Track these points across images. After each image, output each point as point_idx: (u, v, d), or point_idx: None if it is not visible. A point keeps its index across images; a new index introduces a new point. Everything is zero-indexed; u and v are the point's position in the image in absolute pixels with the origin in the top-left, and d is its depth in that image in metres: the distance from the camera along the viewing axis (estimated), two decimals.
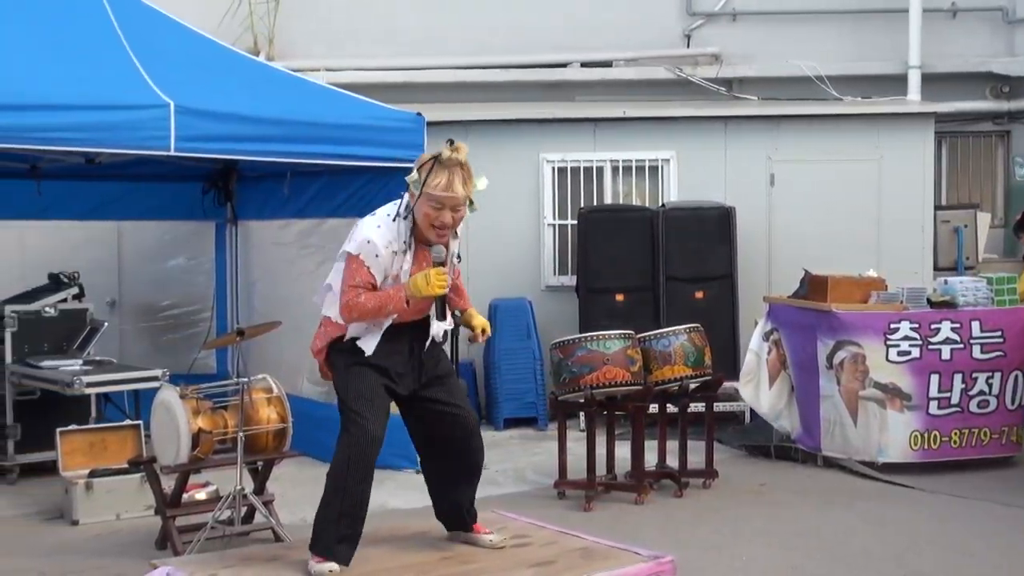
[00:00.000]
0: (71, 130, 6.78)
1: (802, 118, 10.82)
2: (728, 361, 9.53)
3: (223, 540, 5.99)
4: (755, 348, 8.62)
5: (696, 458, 7.89)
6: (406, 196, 4.68)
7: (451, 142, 4.58)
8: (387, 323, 4.66)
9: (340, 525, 4.59)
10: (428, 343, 4.81)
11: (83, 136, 6.88)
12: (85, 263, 9.32)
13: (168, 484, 6.34)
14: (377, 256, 4.57)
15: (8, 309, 8.16)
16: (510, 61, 11.56)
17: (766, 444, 8.66)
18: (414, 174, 4.57)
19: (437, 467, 5.00)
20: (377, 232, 4.59)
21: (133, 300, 10.28)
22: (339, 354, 4.76)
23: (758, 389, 8.55)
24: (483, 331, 4.92)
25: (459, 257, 4.86)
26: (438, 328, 4.79)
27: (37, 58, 7.09)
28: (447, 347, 5.12)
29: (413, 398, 4.84)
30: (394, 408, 4.83)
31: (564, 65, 11.60)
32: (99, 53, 7.31)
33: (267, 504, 6.28)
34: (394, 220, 4.63)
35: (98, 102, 6.85)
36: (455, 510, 5.01)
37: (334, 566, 4.54)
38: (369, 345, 4.67)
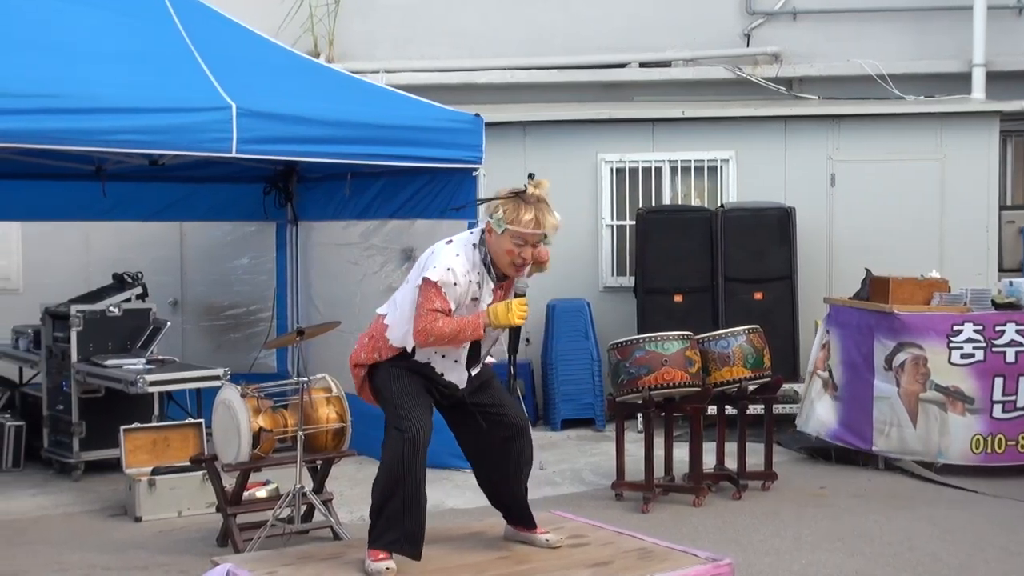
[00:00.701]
0: (135, 132, 6.89)
1: (863, 117, 10.72)
2: (787, 363, 9.47)
3: (283, 538, 6.05)
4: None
5: (755, 460, 7.84)
6: (479, 230, 4.71)
7: (532, 177, 4.58)
8: (459, 354, 4.73)
9: (398, 525, 4.60)
10: (479, 368, 4.84)
11: (147, 138, 6.99)
12: (149, 263, 9.46)
13: (229, 482, 6.41)
14: (456, 284, 4.59)
15: (74, 309, 8.28)
16: (568, 62, 11.55)
17: (826, 447, 8.57)
18: (498, 212, 4.53)
19: (488, 473, 4.99)
20: (457, 261, 4.61)
21: (195, 300, 10.41)
22: (383, 366, 4.80)
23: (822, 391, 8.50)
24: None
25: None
26: (485, 352, 4.82)
27: (104, 62, 7.21)
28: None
29: (457, 407, 4.86)
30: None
31: (623, 65, 11.56)
32: (167, 56, 7.41)
33: (326, 502, 6.33)
34: (474, 249, 4.65)
35: (162, 105, 6.95)
36: (511, 510, 5.01)
37: (391, 564, 4.56)
38: (453, 376, 4.76)
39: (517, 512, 5.02)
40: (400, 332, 4.73)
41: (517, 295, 4.63)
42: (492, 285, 4.68)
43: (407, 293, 4.76)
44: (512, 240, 4.54)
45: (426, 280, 4.59)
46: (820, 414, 8.50)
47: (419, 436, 4.61)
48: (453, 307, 4.61)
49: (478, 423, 4.85)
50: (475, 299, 4.66)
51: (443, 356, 4.74)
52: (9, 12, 7.22)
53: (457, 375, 4.78)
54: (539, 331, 10.54)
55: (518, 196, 4.54)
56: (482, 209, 4.72)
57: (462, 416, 4.89)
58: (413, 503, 4.63)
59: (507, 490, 4.98)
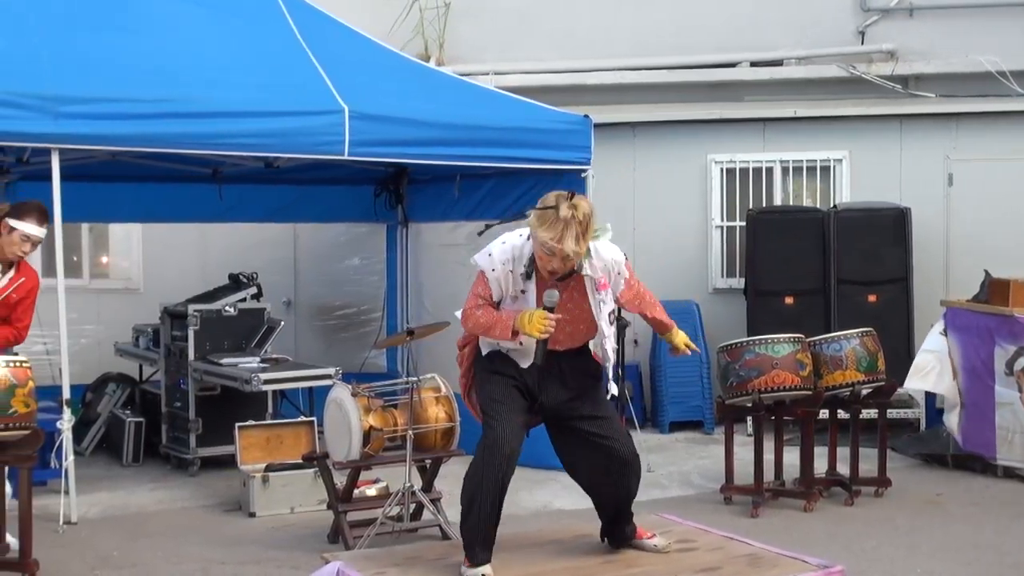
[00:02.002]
0: (251, 136, 7.07)
1: (983, 115, 10.43)
2: (902, 367, 9.23)
3: (392, 536, 6.11)
4: (933, 348, 8.33)
5: (868, 466, 7.69)
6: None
7: (571, 196, 4.45)
8: (512, 348, 4.68)
9: (475, 528, 4.58)
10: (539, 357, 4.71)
11: (263, 142, 7.16)
12: (263, 264, 9.63)
13: (340, 479, 6.50)
14: (493, 270, 4.57)
15: (191, 308, 8.46)
16: (677, 62, 11.45)
17: (942, 452, 8.37)
18: (532, 217, 4.48)
19: (592, 493, 4.92)
20: (500, 248, 4.59)
21: (308, 300, 10.59)
22: (479, 358, 4.80)
23: (940, 377, 8.23)
24: (686, 346, 4.99)
25: (538, 364, 4.63)
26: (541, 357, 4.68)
27: (222, 66, 7.38)
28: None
29: (560, 422, 4.77)
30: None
31: (733, 65, 11.43)
32: (284, 60, 7.57)
33: (435, 501, 6.39)
34: (526, 241, 4.57)
35: (276, 108, 7.10)
36: (615, 529, 4.94)
37: (487, 569, 4.55)
38: (522, 361, 4.68)
39: (619, 530, 4.92)
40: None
41: (545, 307, 4.53)
42: (533, 280, 4.59)
43: None
44: (540, 248, 4.47)
45: (477, 265, 4.64)
46: (948, 420, 8.31)
47: (496, 443, 4.54)
48: (496, 295, 4.60)
49: (580, 444, 4.76)
50: (523, 292, 4.59)
51: (501, 348, 4.70)
52: (129, 18, 7.44)
53: (520, 356, 4.68)
54: (647, 333, 10.46)
55: (555, 209, 4.41)
56: None
57: (564, 433, 4.80)
58: (485, 511, 4.57)
59: (609, 513, 4.89)
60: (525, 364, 4.67)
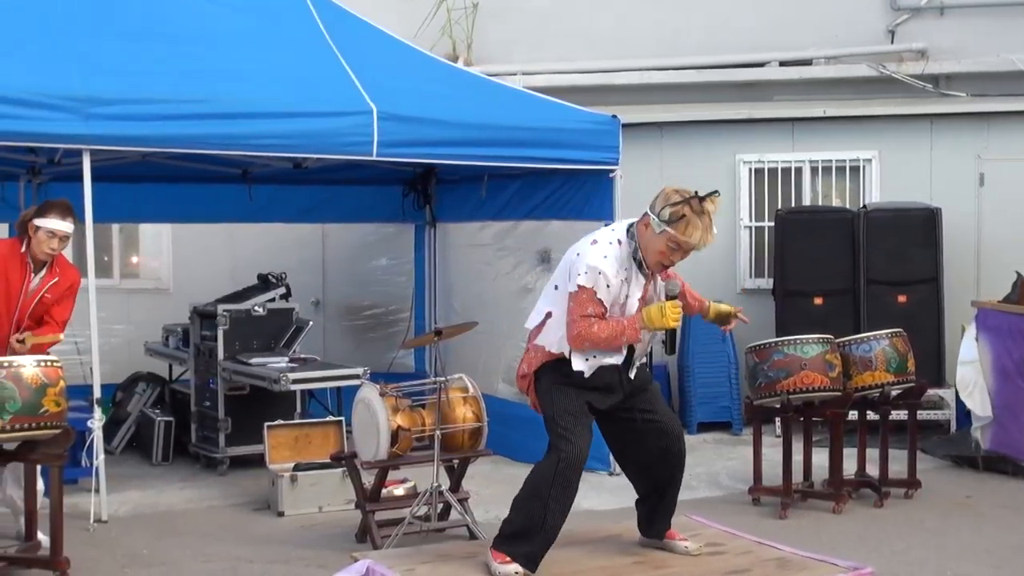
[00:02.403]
0: (280, 137, 7.09)
1: (1015, 115, 10.34)
2: (932, 368, 9.22)
3: (420, 535, 6.13)
4: (969, 358, 8.25)
5: (898, 467, 7.65)
6: (627, 222, 4.68)
7: (715, 194, 4.53)
8: (613, 353, 4.67)
9: (535, 539, 4.61)
10: (635, 369, 4.80)
11: (292, 142, 7.19)
12: (292, 264, 9.66)
13: (368, 479, 6.51)
14: (608, 287, 4.57)
15: (220, 308, 8.50)
16: (706, 61, 11.42)
17: (972, 454, 8.31)
18: (665, 213, 4.48)
19: (640, 477, 4.97)
20: (606, 263, 4.57)
21: (336, 300, 10.62)
22: (545, 373, 4.76)
23: (984, 396, 8.19)
24: (734, 314, 4.99)
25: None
26: (641, 352, 4.78)
27: (251, 67, 7.42)
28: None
29: (612, 411, 4.82)
30: None
31: (761, 64, 11.39)
32: (313, 60, 7.61)
33: (462, 501, 6.39)
34: (620, 245, 4.61)
35: (305, 109, 7.13)
36: (657, 516, 4.97)
37: (520, 568, 4.56)
38: (587, 368, 4.68)
39: (660, 518, 4.96)
40: (555, 337, 4.71)
41: (669, 297, 4.62)
42: (642, 280, 4.64)
43: (557, 298, 4.73)
44: (668, 242, 4.52)
45: (579, 287, 4.57)
46: (973, 431, 8.25)
47: (577, 459, 4.59)
48: (607, 310, 4.59)
49: (630, 427, 4.81)
50: (627, 296, 4.63)
51: (594, 356, 4.69)
52: (158, 20, 7.49)
53: (609, 375, 4.72)
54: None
55: (689, 205, 4.47)
56: (655, 201, 4.62)
57: (614, 422, 4.85)
58: (553, 525, 4.62)
59: (658, 494, 4.94)
60: (613, 380, 4.72)
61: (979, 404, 8.18)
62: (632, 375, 4.80)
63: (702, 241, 4.51)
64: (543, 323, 4.78)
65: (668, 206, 4.49)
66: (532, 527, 4.60)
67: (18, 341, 6.14)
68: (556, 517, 4.63)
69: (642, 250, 4.60)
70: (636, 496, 5.10)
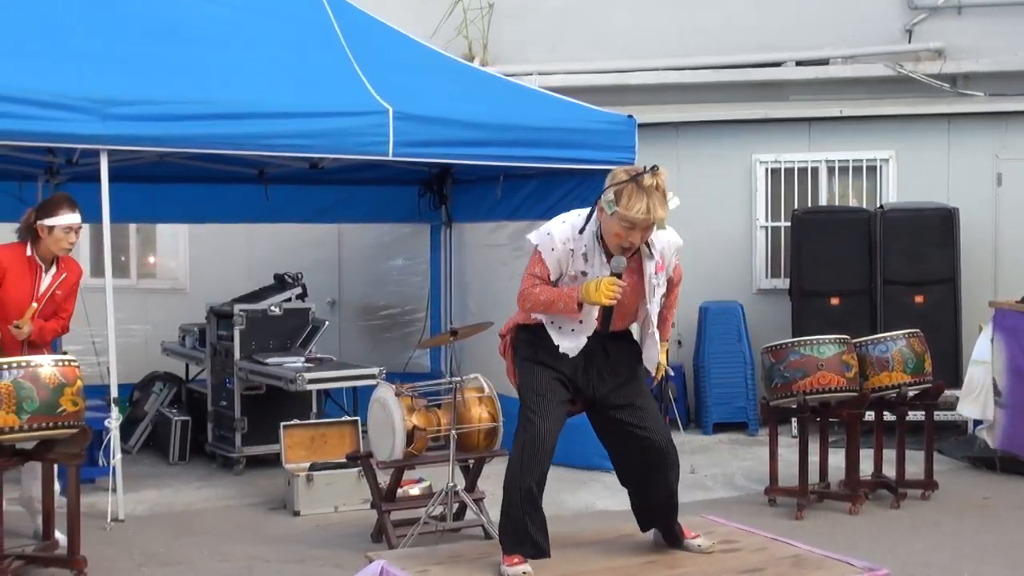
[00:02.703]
0: (296, 137, 7.11)
1: None
2: (949, 368, 9.18)
3: (435, 535, 6.13)
4: (982, 358, 8.22)
5: (914, 468, 7.62)
6: (590, 209, 4.61)
7: (655, 169, 4.43)
8: (574, 324, 4.60)
9: (528, 525, 4.58)
10: (603, 354, 4.70)
11: (308, 142, 7.21)
12: (308, 264, 9.68)
13: (384, 479, 6.52)
14: (552, 250, 4.52)
15: (237, 308, 8.52)
16: (722, 61, 11.40)
17: (990, 455, 8.28)
18: (609, 194, 4.42)
19: (633, 486, 4.89)
20: (559, 227, 4.56)
21: (352, 300, 10.64)
22: (520, 346, 4.73)
23: (988, 400, 8.17)
24: (658, 370, 4.85)
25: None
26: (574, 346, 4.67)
27: (266, 68, 7.45)
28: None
29: (600, 410, 4.73)
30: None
31: (778, 64, 11.37)
32: (324, 62, 7.63)
33: (478, 501, 6.40)
34: (584, 220, 4.55)
35: (321, 109, 7.15)
36: (646, 511, 4.90)
37: (527, 567, 4.55)
38: (559, 340, 4.61)
39: (650, 514, 4.89)
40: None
41: (612, 273, 4.48)
42: (603, 259, 4.54)
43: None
44: (620, 224, 4.41)
45: (534, 248, 4.59)
46: (980, 432, 8.22)
47: (538, 438, 4.53)
48: (553, 275, 4.55)
49: (620, 436, 4.74)
50: (583, 273, 4.54)
51: (559, 327, 4.62)
52: (175, 21, 7.52)
53: (569, 342, 4.63)
54: (691, 334, 10.45)
55: (633, 182, 4.39)
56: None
57: (605, 423, 4.77)
58: (532, 506, 4.58)
59: (652, 507, 4.86)
60: (573, 348, 4.61)
61: (980, 407, 8.15)
62: (604, 357, 4.69)
63: (653, 215, 4.37)
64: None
65: (612, 186, 4.43)
66: (517, 517, 4.58)
67: (16, 327, 6.14)
68: (532, 501, 4.56)
69: (604, 236, 4.52)
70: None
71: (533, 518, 4.60)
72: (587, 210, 4.60)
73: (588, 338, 4.62)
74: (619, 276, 4.46)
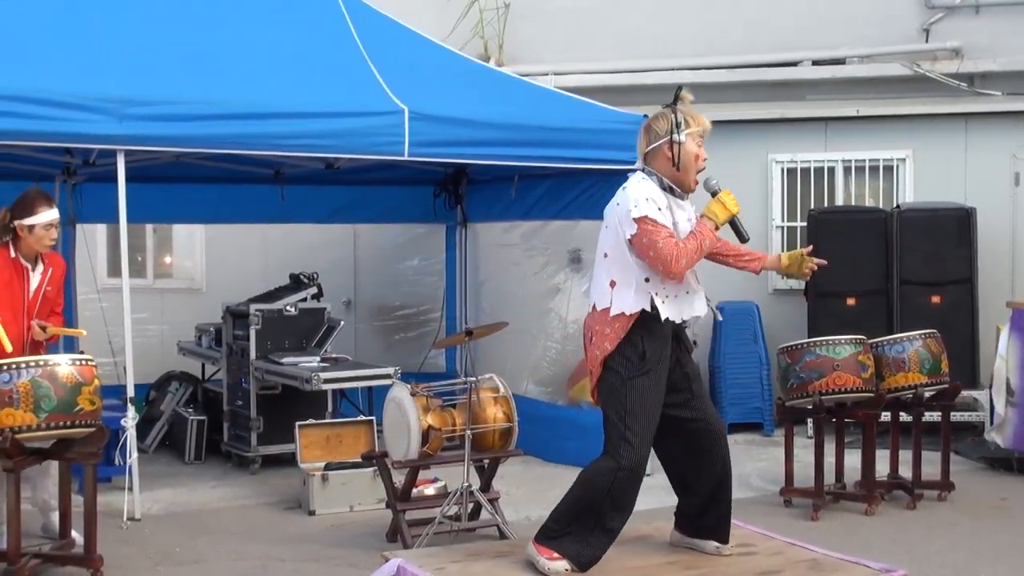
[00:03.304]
0: (312, 137, 7.13)
1: None
2: (966, 369, 9.14)
3: (450, 535, 6.14)
4: (1004, 352, 8.18)
5: (931, 469, 7.59)
6: (641, 172, 4.72)
7: (680, 88, 4.71)
8: (677, 290, 4.65)
9: (587, 540, 4.58)
10: (689, 329, 4.79)
11: (323, 143, 7.22)
12: (323, 264, 9.70)
13: (399, 478, 6.53)
14: (660, 209, 4.58)
15: (253, 308, 8.54)
16: (738, 61, 11.38)
17: (1008, 456, 8.24)
18: (675, 123, 4.62)
19: (683, 475, 4.89)
20: (644, 189, 4.61)
21: (368, 300, 10.66)
22: (619, 364, 4.61)
23: (1001, 394, 8.13)
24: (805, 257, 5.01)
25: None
26: (702, 306, 4.80)
27: (282, 68, 7.47)
28: None
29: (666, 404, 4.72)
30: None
31: (794, 64, 11.34)
32: (340, 62, 7.65)
33: (493, 501, 6.40)
34: (647, 180, 4.67)
35: (337, 110, 7.16)
36: (706, 515, 4.90)
37: (569, 566, 4.55)
38: (669, 311, 4.63)
39: (714, 518, 4.87)
40: (630, 296, 4.60)
41: (713, 193, 4.75)
42: (683, 206, 4.69)
43: (613, 263, 4.66)
44: (695, 142, 4.66)
45: (641, 220, 4.54)
46: (990, 434, 8.18)
47: (639, 467, 4.55)
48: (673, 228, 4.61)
49: (677, 426, 4.74)
50: (675, 223, 4.63)
51: (663, 302, 4.61)
52: (192, 22, 7.54)
53: (674, 308, 4.66)
54: (707, 334, 10.43)
55: (676, 105, 4.69)
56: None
57: (666, 420, 4.73)
58: (610, 529, 4.59)
59: (708, 496, 4.85)
60: (677, 313, 4.66)
61: (1000, 402, 8.12)
62: (688, 332, 4.79)
63: (704, 121, 4.73)
64: (608, 294, 4.67)
65: (666, 121, 4.66)
66: (583, 531, 4.58)
67: (40, 327, 6.10)
68: (613, 522, 4.60)
69: (672, 175, 4.66)
70: (677, 497, 5.01)
71: (603, 542, 4.62)
72: (635, 182, 4.68)
73: (671, 322, 4.65)
74: (718, 190, 4.76)
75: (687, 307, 4.72)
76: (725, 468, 4.83)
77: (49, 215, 6.14)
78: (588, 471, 4.63)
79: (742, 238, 4.86)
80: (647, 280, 4.60)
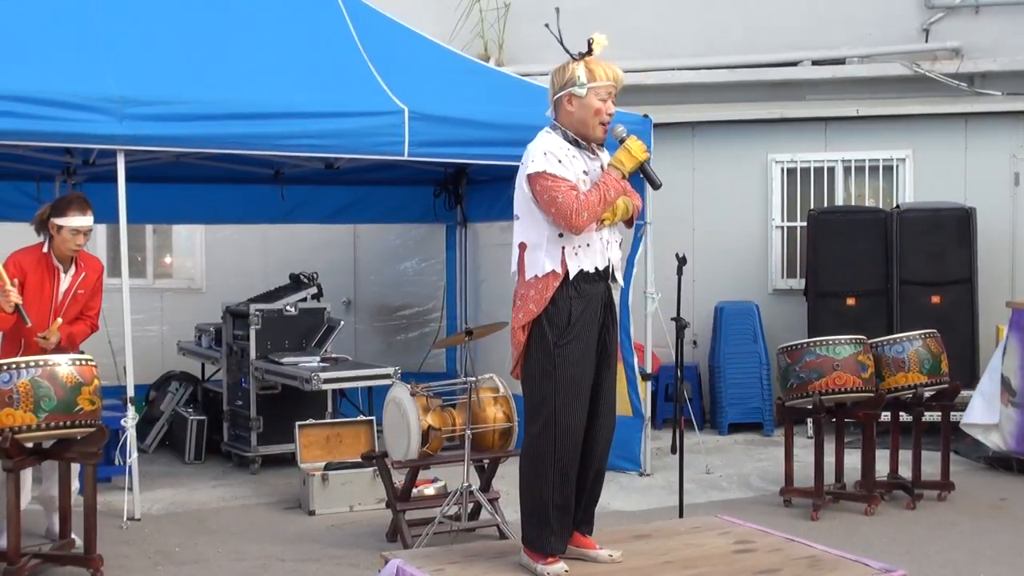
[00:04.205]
0: (312, 137, 7.13)
1: None
2: (966, 369, 9.14)
3: (450, 535, 6.14)
4: (993, 366, 8.20)
5: (931, 469, 7.59)
6: (548, 127, 4.65)
7: (590, 40, 4.62)
8: (593, 237, 4.49)
9: (551, 519, 4.52)
10: (617, 289, 4.66)
11: (323, 143, 7.23)
12: (323, 264, 9.71)
13: (399, 478, 6.53)
14: (560, 162, 4.48)
15: (253, 308, 8.54)
16: (739, 61, 11.39)
17: (1007, 456, 8.24)
18: (574, 76, 4.53)
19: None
20: (546, 143, 4.54)
21: (368, 300, 10.67)
22: (545, 330, 4.48)
23: (993, 401, 8.14)
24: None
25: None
26: (616, 254, 4.61)
27: (282, 68, 7.47)
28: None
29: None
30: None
31: (795, 64, 11.35)
32: (340, 62, 7.65)
33: (492, 501, 6.40)
34: (552, 135, 4.58)
35: (337, 110, 7.16)
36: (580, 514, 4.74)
37: (566, 568, 4.53)
38: (581, 261, 4.48)
39: (584, 510, 4.74)
40: (539, 258, 4.51)
41: (621, 140, 4.59)
42: (592, 158, 4.57)
43: (523, 225, 4.60)
44: (597, 97, 4.54)
45: (536, 176, 4.47)
46: (989, 439, 8.18)
47: (573, 432, 4.44)
48: (575, 182, 4.48)
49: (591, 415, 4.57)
50: (584, 172, 4.52)
51: (576, 254, 4.49)
52: (191, 21, 7.54)
53: (591, 257, 4.52)
54: (706, 334, 10.44)
55: (583, 58, 4.59)
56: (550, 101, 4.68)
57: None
58: (568, 501, 4.53)
59: (587, 488, 4.71)
60: (600, 260, 4.52)
61: (986, 411, 8.10)
62: (615, 294, 4.65)
63: (616, 75, 4.60)
64: (521, 258, 4.60)
65: (569, 71, 4.58)
66: (554, 521, 4.54)
67: (43, 339, 6.12)
68: (566, 495, 4.50)
69: (579, 127, 4.55)
70: None
71: (561, 511, 4.54)
72: (547, 128, 4.64)
73: (600, 285, 4.54)
74: (625, 137, 4.60)
75: (600, 256, 4.54)
76: (604, 462, 4.69)
77: (78, 220, 6.17)
78: (525, 461, 4.53)
79: (654, 184, 4.67)
80: (560, 235, 4.50)
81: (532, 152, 4.55)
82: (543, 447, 4.47)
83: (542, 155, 4.50)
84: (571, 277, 4.48)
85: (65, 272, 6.25)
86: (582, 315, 4.49)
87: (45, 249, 6.23)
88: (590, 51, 4.60)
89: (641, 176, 4.67)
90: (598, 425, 4.60)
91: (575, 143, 4.57)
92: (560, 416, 4.44)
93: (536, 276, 4.52)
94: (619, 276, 4.68)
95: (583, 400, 4.49)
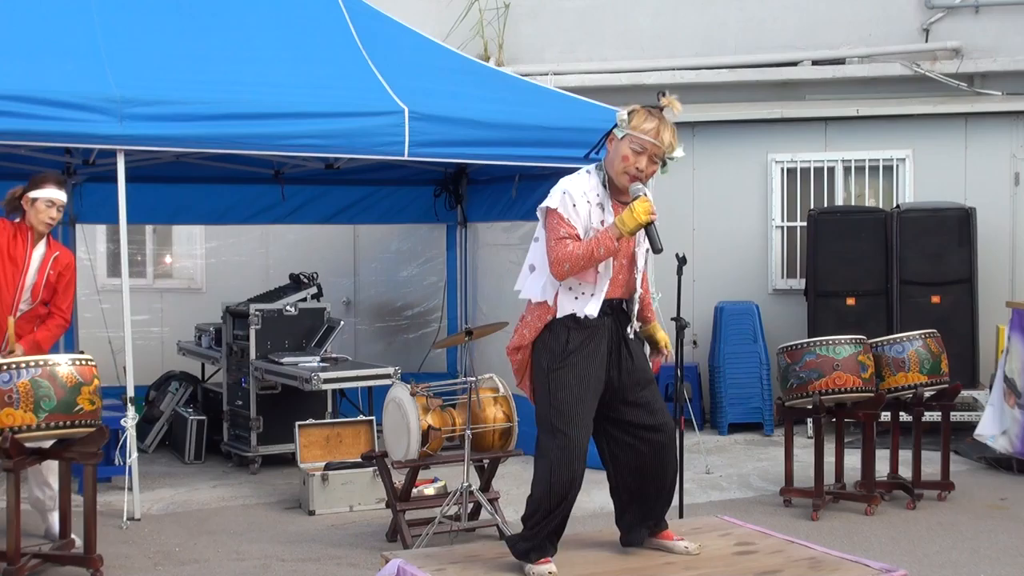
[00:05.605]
0: (312, 137, 7.13)
1: None
2: (966, 369, 9.15)
3: (450, 535, 6.14)
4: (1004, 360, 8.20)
5: (931, 469, 7.59)
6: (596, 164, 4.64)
7: (664, 94, 4.52)
8: (598, 288, 4.49)
9: (556, 528, 4.57)
10: (629, 332, 4.62)
11: (324, 143, 7.23)
12: (323, 264, 9.71)
13: (399, 478, 6.53)
14: (575, 206, 4.47)
15: (253, 308, 8.54)
16: (739, 61, 11.38)
17: (1007, 456, 8.24)
18: (623, 114, 4.51)
19: (628, 484, 4.78)
20: (571, 184, 4.53)
21: (368, 300, 10.67)
22: (541, 354, 4.55)
23: (998, 411, 8.13)
24: (665, 346, 4.86)
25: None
26: (594, 308, 4.53)
27: (283, 68, 7.48)
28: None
29: (610, 412, 4.63)
30: None
31: (795, 63, 11.35)
32: (340, 62, 7.65)
33: (492, 501, 6.40)
34: (590, 174, 4.57)
35: (337, 110, 7.17)
36: (642, 524, 4.82)
37: (552, 567, 4.55)
38: (577, 307, 4.49)
39: (642, 524, 4.82)
40: (539, 285, 4.56)
41: (633, 199, 4.47)
42: (611, 206, 4.52)
43: (536, 248, 4.61)
44: (630, 145, 4.47)
45: (547, 211, 4.50)
46: (997, 443, 8.18)
47: (578, 455, 4.46)
48: (581, 232, 4.47)
49: (631, 441, 4.66)
50: (602, 223, 4.50)
51: (576, 298, 4.51)
52: (192, 21, 7.55)
53: (591, 304, 4.51)
54: (707, 334, 10.43)
55: (648, 107, 4.51)
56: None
57: (616, 428, 4.67)
58: (567, 512, 4.58)
59: (645, 505, 4.79)
60: (595, 307, 4.48)
61: (997, 422, 8.09)
62: (630, 333, 4.63)
63: (662, 137, 4.45)
64: (527, 279, 4.64)
65: (626, 113, 4.52)
66: (551, 526, 4.56)
67: (9, 352, 6.10)
68: (560, 518, 4.56)
69: (611, 166, 4.53)
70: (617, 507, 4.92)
71: (555, 517, 4.57)
72: (593, 166, 4.62)
73: (607, 319, 4.54)
74: (638, 198, 4.44)
75: (580, 305, 4.51)
76: (671, 478, 4.73)
77: (53, 192, 6.25)
78: (541, 466, 4.55)
79: (655, 248, 4.54)
80: None
81: (559, 185, 4.56)
82: (543, 453, 4.53)
83: (561, 193, 4.51)
84: (558, 316, 4.52)
85: (37, 244, 6.27)
86: (581, 345, 4.51)
87: (16, 221, 6.28)
88: (659, 107, 4.53)
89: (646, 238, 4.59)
90: (648, 438, 4.62)
91: (605, 186, 4.55)
92: (558, 434, 4.48)
93: (534, 301, 4.60)
94: (634, 317, 4.66)
95: (580, 422, 4.49)
